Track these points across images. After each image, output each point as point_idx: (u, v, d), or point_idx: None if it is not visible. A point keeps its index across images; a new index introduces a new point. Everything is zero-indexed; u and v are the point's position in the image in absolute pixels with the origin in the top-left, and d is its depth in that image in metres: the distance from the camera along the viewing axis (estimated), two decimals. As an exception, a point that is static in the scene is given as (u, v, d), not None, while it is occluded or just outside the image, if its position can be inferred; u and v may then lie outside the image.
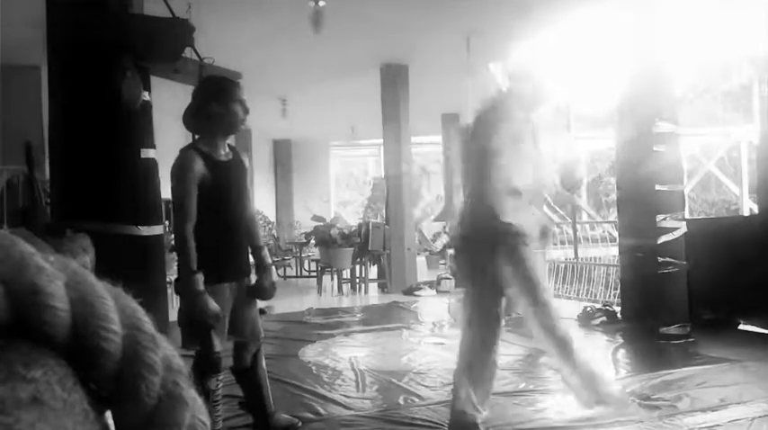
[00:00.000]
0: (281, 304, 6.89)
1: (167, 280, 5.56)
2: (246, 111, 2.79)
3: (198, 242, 2.64)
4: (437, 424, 3.13)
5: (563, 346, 2.71)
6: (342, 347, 5.15)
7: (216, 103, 2.71)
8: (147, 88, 4.26)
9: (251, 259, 2.94)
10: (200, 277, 2.59)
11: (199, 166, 2.65)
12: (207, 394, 2.71)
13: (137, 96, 3.99)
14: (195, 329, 2.69)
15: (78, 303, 0.36)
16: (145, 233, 4.18)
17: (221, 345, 2.73)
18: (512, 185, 2.67)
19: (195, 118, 2.78)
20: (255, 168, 14.40)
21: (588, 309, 5.94)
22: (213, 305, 2.60)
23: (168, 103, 5.37)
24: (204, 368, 2.69)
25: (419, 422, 3.20)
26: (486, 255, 2.72)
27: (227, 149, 2.81)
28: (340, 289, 9.28)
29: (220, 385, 2.81)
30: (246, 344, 2.89)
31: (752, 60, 10.98)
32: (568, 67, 3.44)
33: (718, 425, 2.99)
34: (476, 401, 2.75)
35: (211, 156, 2.71)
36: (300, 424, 3.13)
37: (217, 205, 2.70)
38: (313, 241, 9.93)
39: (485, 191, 2.70)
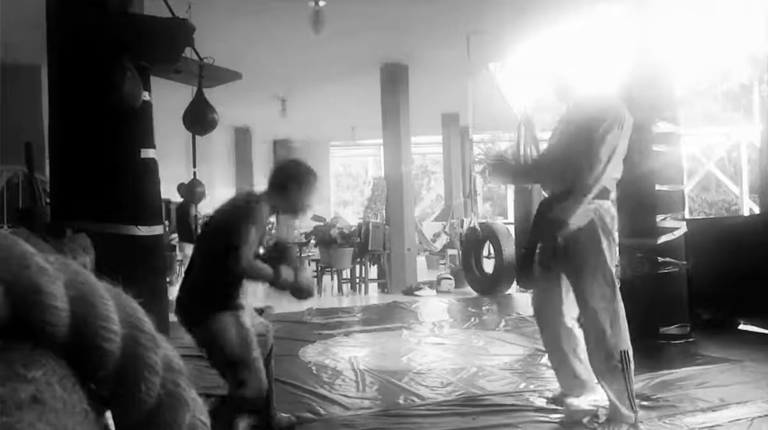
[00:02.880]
0: (281, 304, 6.88)
1: (167, 280, 5.55)
2: (310, 207, 3.06)
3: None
4: (436, 424, 3.13)
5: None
6: (342, 347, 5.14)
7: (297, 187, 2.89)
8: (147, 88, 4.25)
9: None
10: (282, 269, 2.75)
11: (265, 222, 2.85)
12: None
13: (137, 96, 3.99)
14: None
15: (79, 303, 0.36)
16: (145, 233, 4.18)
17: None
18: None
19: (276, 186, 2.91)
20: (255, 168, 14.41)
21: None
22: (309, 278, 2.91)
23: (168, 102, 5.37)
24: (243, 404, 2.66)
25: (419, 422, 3.20)
26: None
27: None
28: (340, 289, 9.28)
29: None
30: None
31: (752, 60, 10.97)
32: (569, 66, 3.44)
33: (718, 425, 2.98)
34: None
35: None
36: (300, 423, 3.13)
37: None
38: (313, 241, 9.92)
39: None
